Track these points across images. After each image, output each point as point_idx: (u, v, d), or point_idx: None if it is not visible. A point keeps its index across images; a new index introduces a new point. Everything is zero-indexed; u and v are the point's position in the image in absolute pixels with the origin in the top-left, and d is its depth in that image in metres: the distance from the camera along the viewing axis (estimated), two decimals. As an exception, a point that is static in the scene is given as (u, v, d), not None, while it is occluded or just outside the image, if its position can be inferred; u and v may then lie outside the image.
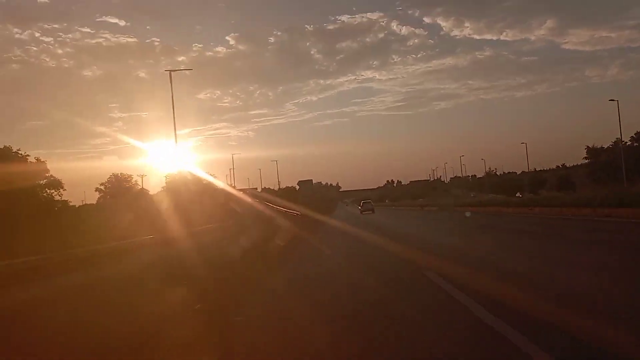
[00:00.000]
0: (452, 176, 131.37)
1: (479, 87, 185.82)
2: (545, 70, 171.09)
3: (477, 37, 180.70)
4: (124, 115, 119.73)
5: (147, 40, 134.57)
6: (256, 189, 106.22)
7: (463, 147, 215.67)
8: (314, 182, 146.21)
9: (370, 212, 56.95)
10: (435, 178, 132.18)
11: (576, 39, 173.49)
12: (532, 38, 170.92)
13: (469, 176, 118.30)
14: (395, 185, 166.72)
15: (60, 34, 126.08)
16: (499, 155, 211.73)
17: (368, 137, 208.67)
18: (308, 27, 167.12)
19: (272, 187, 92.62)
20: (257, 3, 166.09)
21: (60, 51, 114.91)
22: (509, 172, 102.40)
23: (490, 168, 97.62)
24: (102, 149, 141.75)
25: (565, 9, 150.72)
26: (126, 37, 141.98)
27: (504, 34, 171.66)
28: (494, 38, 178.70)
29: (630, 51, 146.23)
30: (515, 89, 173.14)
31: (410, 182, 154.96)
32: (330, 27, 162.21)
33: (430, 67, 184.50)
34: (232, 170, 60.95)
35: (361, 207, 62.38)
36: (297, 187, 59.56)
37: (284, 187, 76.19)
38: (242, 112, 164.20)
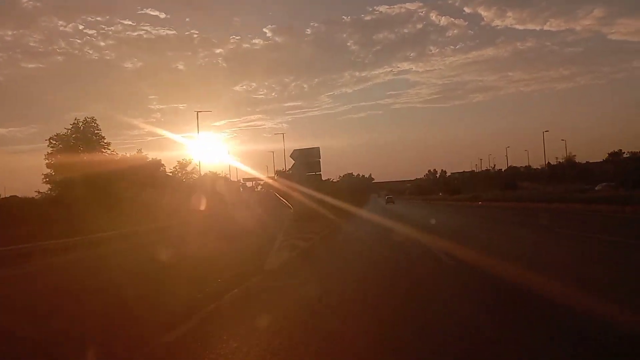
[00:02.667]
0: (505, 167, 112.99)
1: (519, 79, 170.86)
2: (590, 62, 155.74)
3: (519, 27, 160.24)
4: (162, 106, 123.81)
5: (186, 33, 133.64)
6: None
7: (504, 139, 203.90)
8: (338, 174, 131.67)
9: (392, 203, 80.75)
10: (490, 168, 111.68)
11: (624, 29, 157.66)
12: (578, 28, 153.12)
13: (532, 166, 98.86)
14: (438, 175, 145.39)
15: (103, 26, 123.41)
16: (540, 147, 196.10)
17: (403, 130, 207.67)
18: (345, 18, 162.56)
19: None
20: None
21: (102, 43, 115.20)
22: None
23: (570, 154, 79.50)
24: (140, 140, 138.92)
25: None
26: (166, 29, 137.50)
27: (548, 23, 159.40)
28: (537, 28, 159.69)
29: None
30: (558, 81, 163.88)
31: (452, 173, 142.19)
32: (368, 17, 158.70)
33: (469, 58, 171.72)
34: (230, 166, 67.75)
35: (386, 200, 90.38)
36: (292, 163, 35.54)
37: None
38: (277, 104, 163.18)
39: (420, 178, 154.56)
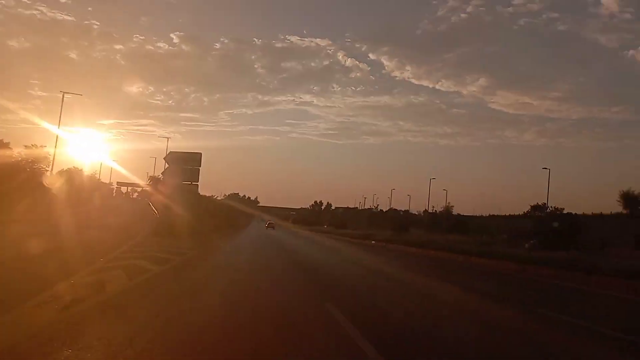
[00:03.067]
0: (387, 208, 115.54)
1: (408, 130, 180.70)
2: (471, 125, 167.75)
3: (415, 81, 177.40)
4: (44, 94, 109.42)
5: (86, 22, 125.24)
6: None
7: (389, 182, 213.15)
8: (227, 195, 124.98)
9: (272, 229, 76.37)
10: (373, 207, 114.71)
11: (502, 101, 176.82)
12: (464, 92, 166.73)
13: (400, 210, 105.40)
14: (323, 207, 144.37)
15: None
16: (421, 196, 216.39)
17: (296, 159, 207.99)
18: (256, 40, 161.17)
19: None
20: (207, 6, 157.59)
21: None
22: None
23: (449, 204, 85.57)
24: (13, 126, 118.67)
25: (498, 71, 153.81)
26: (64, 14, 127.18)
27: (440, 83, 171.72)
28: (430, 86, 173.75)
29: (547, 121, 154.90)
30: (442, 137, 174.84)
31: (336, 207, 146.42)
32: (279, 45, 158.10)
33: (367, 102, 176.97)
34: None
35: (267, 225, 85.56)
36: (165, 167, 29.03)
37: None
38: (173, 113, 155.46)
39: (305, 208, 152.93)
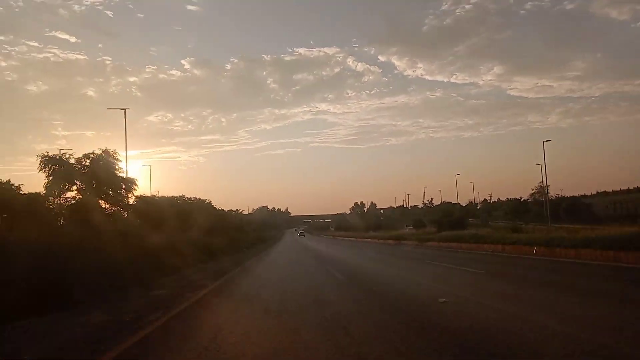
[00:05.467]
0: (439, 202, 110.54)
1: (428, 126, 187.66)
2: (491, 114, 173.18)
3: (428, 77, 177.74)
4: (68, 133, 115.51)
5: (98, 59, 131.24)
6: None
7: (420, 180, 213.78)
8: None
9: (303, 236, 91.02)
10: (427, 202, 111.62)
11: (521, 86, 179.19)
12: (480, 82, 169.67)
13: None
14: (366, 209, 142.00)
15: (6, 46, 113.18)
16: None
17: (322, 167, 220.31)
18: (265, 56, 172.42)
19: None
20: (214, 29, 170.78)
21: (4, 64, 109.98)
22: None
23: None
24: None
25: (512, 57, 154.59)
26: (76, 53, 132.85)
27: (454, 76, 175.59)
28: (445, 80, 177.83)
29: (569, 101, 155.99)
30: (463, 129, 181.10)
31: (376, 208, 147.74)
32: (287, 58, 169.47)
33: (384, 103, 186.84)
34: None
35: (298, 234, 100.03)
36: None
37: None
38: (194, 137, 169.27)
39: (341, 213, 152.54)
